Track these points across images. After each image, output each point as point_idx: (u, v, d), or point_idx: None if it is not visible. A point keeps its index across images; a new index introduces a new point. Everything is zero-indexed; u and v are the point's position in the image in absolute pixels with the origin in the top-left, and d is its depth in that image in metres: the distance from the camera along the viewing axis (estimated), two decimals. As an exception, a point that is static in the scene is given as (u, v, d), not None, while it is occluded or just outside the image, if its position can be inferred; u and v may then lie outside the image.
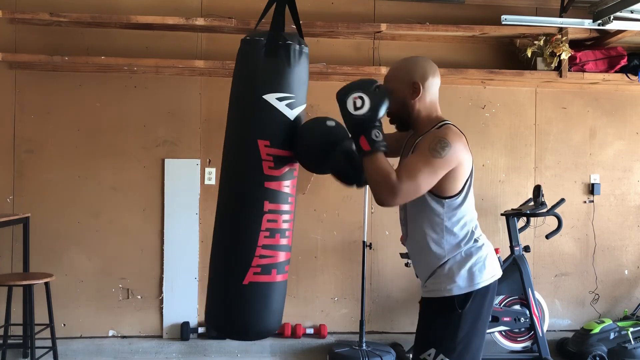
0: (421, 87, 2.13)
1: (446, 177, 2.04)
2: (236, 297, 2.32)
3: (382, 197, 1.98)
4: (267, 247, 2.32)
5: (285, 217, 2.36)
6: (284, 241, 2.37)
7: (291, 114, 2.34)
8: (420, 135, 2.14)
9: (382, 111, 2.03)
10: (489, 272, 2.16)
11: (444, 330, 2.11)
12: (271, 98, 2.31)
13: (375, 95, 2.03)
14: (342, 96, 2.09)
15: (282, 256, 2.37)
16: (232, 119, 2.39)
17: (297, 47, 2.34)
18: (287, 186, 2.36)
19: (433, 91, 2.17)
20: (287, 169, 2.35)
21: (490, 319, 2.31)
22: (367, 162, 2.01)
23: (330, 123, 2.29)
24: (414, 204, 2.14)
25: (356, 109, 2.04)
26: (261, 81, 2.31)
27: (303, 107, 2.40)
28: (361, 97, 2.04)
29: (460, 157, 2.04)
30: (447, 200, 2.09)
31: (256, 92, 2.31)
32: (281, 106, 2.32)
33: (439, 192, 2.08)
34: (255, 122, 2.30)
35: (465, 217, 2.15)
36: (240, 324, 2.35)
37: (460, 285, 2.10)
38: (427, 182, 2.00)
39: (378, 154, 2.00)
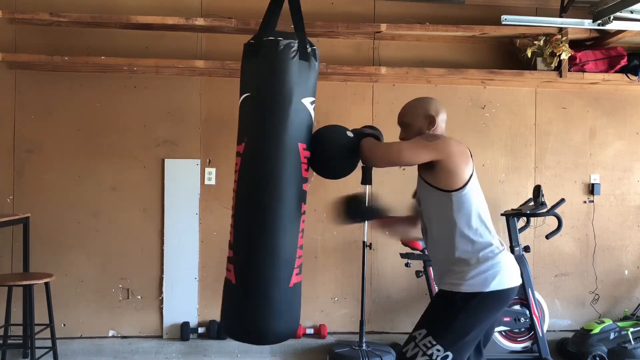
0: (435, 120, 2.42)
1: (443, 171, 2.28)
2: (283, 301, 2.34)
3: (371, 155, 2.38)
4: (301, 247, 2.44)
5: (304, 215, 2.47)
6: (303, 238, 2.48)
7: (313, 115, 2.45)
8: None
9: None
10: (503, 280, 2.28)
11: (440, 318, 2.29)
12: (307, 102, 2.41)
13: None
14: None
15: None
16: (268, 123, 2.35)
17: (317, 50, 2.45)
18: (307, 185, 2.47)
19: (443, 125, 2.48)
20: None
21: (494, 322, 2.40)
22: (365, 141, 2.44)
23: (350, 133, 2.49)
24: (428, 203, 2.39)
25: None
26: (299, 86, 2.36)
27: None
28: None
29: (449, 149, 2.28)
30: (453, 193, 2.29)
31: (295, 97, 2.35)
32: (311, 108, 2.44)
33: (443, 186, 2.30)
34: (295, 126, 2.35)
35: (475, 214, 2.30)
36: (283, 326, 2.37)
37: (469, 284, 2.26)
38: (408, 152, 2.30)
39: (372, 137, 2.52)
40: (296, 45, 2.35)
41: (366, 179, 4.03)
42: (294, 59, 2.33)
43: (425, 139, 2.33)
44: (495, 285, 2.24)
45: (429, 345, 2.23)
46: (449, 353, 2.22)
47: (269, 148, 2.33)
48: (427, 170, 2.34)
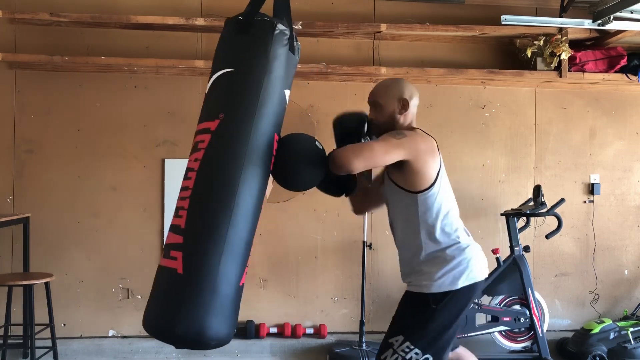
0: (409, 104, 2.37)
1: (410, 172, 2.24)
2: (232, 299, 2.14)
3: (344, 156, 2.18)
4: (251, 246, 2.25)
5: None
6: None
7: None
8: None
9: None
10: (471, 275, 2.28)
11: (416, 321, 2.28)
12: (287, 93, 2.33)
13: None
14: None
15: None
16: (252, 105, 2.19)
17: (300, 47, 2.39)
18: None
19: (414, 110, 2.42)
20: None
21: (463, 317, 2.39)
22: (334, 150, 2.28)
23: (319, 144, 2.34)
24: (394, 203, 2.37)
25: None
26: (285, 75, 2.29)
27: None
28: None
29: (417, 148, 2.23)
30: (418, 194, 2.25)
31: (281, 86, 2.27)
32: (288, 100, 2.34)
33: (409, 187, 2.26)
34: (275, 115, 2.25)
35: (441, 214, 2.28)
36: (224, 330, 2.12)
37: (438, 284, 2.26)
38: (380, 151, 2.20)
39: None
40: (289, 34, 2.27)
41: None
42: (285, 47, 2.26)
43: (393, 136, 2.24)
44: (464, 282, 2.25)
45: (407, 350, 2.23)
46: (428, 356, 2.22)
47: (249, 130, 2.15)
48: (395, 169, 2.29)
